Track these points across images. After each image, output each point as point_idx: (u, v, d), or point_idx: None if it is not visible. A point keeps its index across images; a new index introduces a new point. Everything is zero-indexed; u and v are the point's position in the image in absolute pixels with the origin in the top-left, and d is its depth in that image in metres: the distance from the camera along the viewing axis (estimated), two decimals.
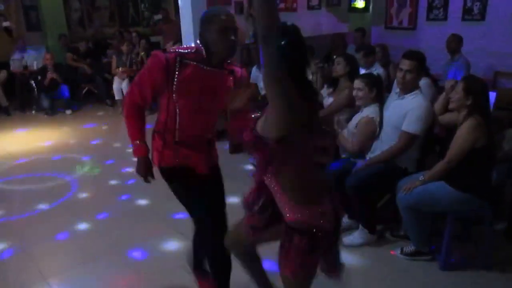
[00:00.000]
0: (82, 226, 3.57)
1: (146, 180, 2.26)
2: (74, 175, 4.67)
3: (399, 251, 3.01)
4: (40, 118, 7.32)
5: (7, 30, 8.64)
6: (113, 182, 4.50)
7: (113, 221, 3.64)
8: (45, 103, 7.57)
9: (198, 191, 2.18)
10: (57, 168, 4.90)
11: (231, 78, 2.15)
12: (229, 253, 2.19)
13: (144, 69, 2.11)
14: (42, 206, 3.95)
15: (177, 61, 2.01)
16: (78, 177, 4.65)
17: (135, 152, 2.21)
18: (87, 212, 3.78)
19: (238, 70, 2.21)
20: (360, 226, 3.14)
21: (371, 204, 3.11)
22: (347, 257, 2.99)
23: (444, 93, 3.16)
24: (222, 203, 2.31)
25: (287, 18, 1.93)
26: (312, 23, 7.54)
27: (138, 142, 2.17)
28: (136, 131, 2.17)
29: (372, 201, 3.13)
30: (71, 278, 2.90)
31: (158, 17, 10.04)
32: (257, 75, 5.45)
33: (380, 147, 3.11)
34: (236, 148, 4.97)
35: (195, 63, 2.04)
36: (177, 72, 2.01)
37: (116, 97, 7.33)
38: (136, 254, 3.13)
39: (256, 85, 5.48)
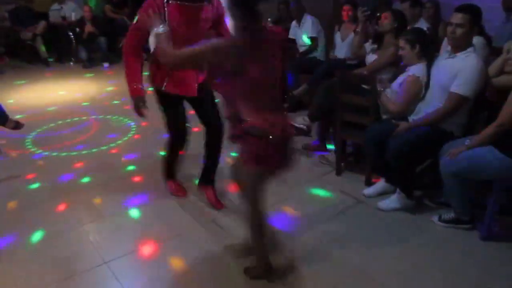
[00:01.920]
0: None
1: (141, 114, 2.78)
2: None
3: (437, 218, 2.89)
4: (77, 70, 7.40)
5: None
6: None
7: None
8: (83, 55, 7.63)
9: (173, 113, 2.88)
10: None
11: (210, 7, 2.64)
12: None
13: (139, 12, 2.56)
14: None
15: (164, 2, 2.52)
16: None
17: (132, 92, 2.72)
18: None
19: None
20: (398, 190, 3.02)
21: (411, 168, 2.97)
22: (381, 222, 2.94)
23: (502, 55, 2.90)
24: (206, 116, 2.93)
25: None
26: None
27: (135, 85, 2.70)
28: (134, 73, 2.71)
29: (413, 165, 2.98)
30: None
31: None
32: (296, 31, 5.24)
33: (425, 109, 2.93)
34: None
35: (178, 2, 2.54)
36: (165, 10, 2.53)
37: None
38: None
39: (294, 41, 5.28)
